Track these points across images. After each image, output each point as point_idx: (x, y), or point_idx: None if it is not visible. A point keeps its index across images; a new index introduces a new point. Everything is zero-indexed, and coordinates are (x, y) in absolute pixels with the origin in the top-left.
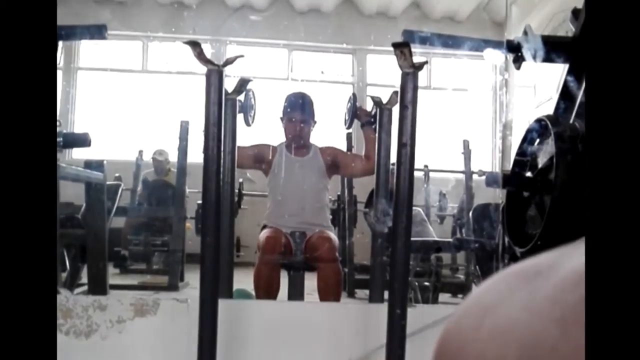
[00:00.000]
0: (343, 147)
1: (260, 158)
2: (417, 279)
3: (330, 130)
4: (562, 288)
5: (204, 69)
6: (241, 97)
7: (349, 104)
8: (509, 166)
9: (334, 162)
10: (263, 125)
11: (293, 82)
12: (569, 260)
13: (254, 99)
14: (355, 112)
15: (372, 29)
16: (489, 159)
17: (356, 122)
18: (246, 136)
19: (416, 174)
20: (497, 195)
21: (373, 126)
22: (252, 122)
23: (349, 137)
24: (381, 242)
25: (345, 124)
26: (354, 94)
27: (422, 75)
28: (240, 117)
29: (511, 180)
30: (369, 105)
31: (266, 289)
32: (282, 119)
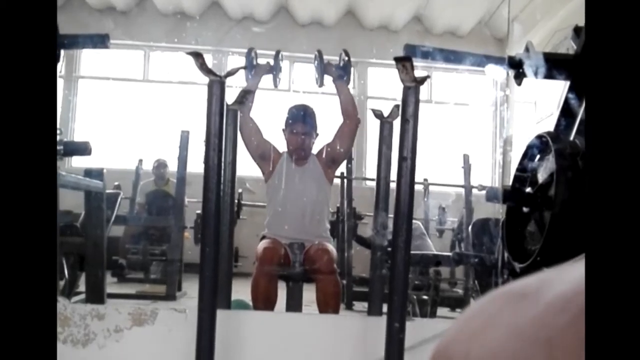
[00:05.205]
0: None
1: (265, 157)
2: (415, 293)
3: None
4: (549, 312)
5: (205, 79)
6: (271, 60)
7: (316, 61)
8: (509, 181)
9: (328, 157)
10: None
11: (295, 94)
12: (556, 283)
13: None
14: (324, 68)
15: (373, 42)
16: (489, 174)
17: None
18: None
19: (416, 187)
20: (497, 211)
21: (345, 79)
22: (279, 83)
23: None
24: (380, 254)
25: (317, 83)
26: (318, 51)
27: (423, 89)
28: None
29: (511, 195)
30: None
31: (264, 300)
32: (284, 130)
